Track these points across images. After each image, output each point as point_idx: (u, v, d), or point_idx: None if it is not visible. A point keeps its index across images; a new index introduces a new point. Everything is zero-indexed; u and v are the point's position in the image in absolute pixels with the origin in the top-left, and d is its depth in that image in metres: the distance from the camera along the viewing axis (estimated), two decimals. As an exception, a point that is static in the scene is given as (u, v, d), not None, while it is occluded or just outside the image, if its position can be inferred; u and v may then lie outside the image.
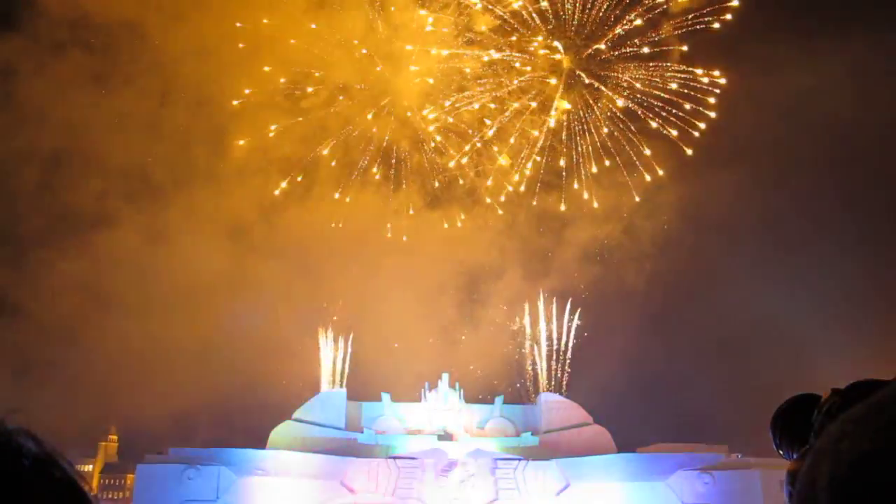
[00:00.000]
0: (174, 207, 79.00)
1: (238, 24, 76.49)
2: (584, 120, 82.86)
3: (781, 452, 4.57)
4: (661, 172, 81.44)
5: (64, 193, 76.62)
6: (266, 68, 77.43)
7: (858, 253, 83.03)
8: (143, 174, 78.91)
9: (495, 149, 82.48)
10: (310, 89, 78.92)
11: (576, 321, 75.08)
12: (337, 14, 78.15)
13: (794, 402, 4.52)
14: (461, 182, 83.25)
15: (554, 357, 75.42)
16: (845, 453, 1.28)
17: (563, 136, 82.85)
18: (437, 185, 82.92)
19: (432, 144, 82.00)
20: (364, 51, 79.12)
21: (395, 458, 62.18)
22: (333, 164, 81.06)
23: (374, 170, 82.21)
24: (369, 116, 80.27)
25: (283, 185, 79.75)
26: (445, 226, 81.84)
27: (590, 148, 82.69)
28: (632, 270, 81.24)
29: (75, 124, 75.84)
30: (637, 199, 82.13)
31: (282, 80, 78.31)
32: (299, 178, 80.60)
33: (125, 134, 77.85)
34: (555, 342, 75.42)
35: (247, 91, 77.56)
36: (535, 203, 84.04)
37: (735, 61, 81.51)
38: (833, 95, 79.13)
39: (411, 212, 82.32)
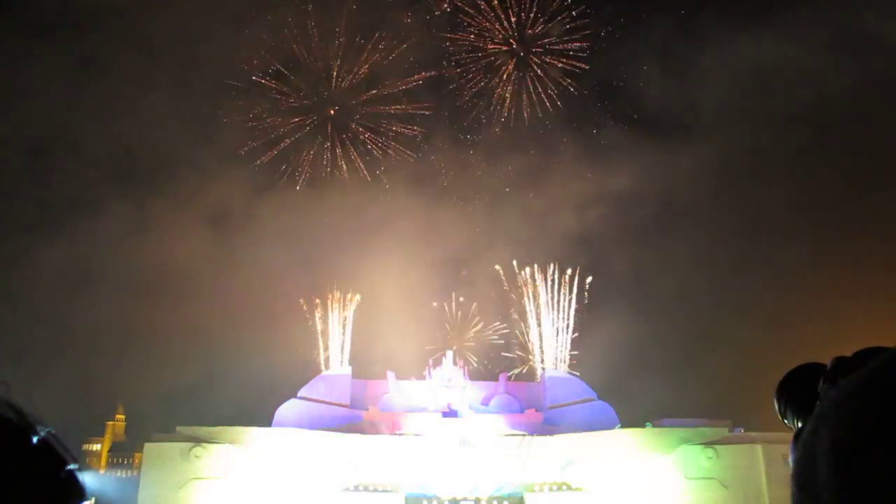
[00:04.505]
0: (161, 191, 79.28)
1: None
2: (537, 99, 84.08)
3: (786, 421, 4.58)
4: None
5: (53, 179, 76.44)
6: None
7: (853, 227, 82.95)
8: (130, 159, 79.02)
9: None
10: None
11: (585, 297, 75.38)
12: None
13: (798, 370, 4.53)
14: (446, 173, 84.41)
15: (556, 333, 75.69)
16: (845, 417, 1.29)
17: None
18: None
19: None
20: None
21: (400, 435, 62.56)
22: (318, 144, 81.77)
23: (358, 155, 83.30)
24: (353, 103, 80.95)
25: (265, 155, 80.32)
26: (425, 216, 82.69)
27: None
28: (628, 250, 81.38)
29: (61, 110, 75.55)
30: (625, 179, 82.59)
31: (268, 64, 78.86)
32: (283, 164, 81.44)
33: (111, 119, 77.64)
34: (555, 317, 75.70)
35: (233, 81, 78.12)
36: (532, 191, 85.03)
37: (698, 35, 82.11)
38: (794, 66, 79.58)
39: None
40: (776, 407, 4.60)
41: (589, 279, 76.39)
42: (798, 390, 4.31)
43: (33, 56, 74.56)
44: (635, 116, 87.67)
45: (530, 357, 76.57)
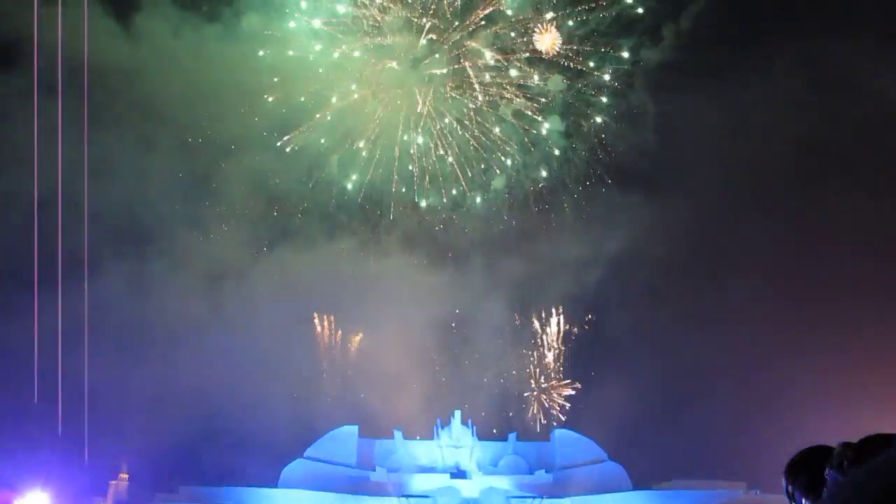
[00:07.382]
0: (161, 250, 79.83)
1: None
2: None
3: (793, 503, 4.61)
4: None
5: (53, 237, 76.82)
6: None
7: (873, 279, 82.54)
8: (130, 218, 79.78)
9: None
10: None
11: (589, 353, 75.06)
12: (330, 56, 79.83)
13: (805, 454, 4.58)
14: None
15: (565, 390, 75.14)
16: None
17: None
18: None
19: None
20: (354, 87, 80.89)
21: (407, 496, 61.50)
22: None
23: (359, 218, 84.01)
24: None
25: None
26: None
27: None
28: (633, 305, 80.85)
29: (63, 168, 76.46)
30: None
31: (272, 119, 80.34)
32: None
33: (113, 179, 78.63)
34: (563, 373, 75.36)
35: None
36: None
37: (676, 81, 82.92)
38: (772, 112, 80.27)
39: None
40: (784, 488, 4.65)
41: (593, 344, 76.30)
42: (805, 474, 4.40)
43: (38, 115, 76.14)
44: (625, 177, 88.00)
45: (536, 414, 75.91)
